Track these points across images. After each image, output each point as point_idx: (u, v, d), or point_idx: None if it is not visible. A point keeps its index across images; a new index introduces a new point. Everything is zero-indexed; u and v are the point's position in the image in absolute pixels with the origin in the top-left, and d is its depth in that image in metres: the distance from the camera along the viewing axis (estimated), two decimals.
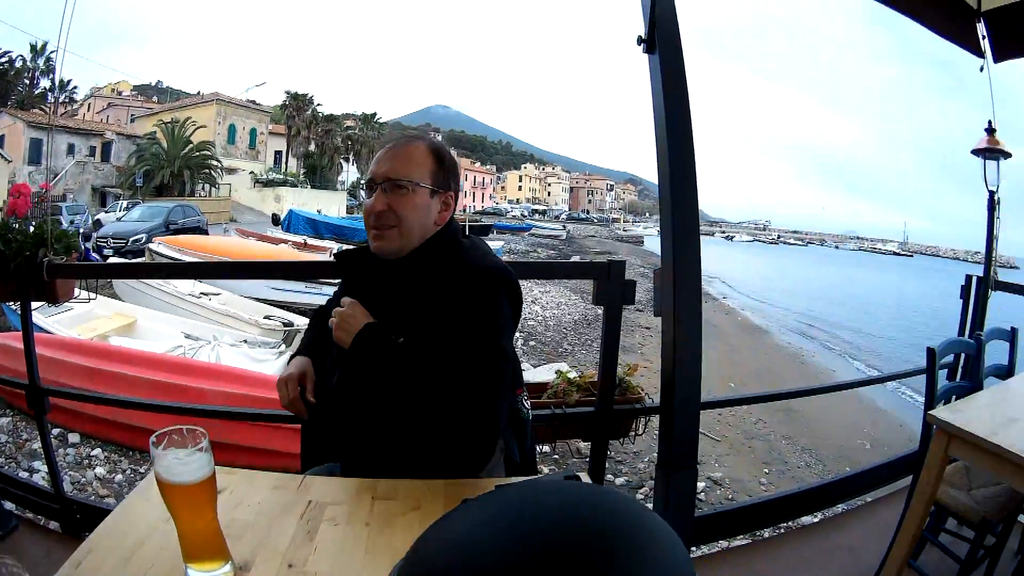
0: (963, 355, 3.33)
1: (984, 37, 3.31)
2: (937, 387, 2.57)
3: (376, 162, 1.50)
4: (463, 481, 1.33)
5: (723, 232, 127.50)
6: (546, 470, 5.89)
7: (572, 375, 2.80)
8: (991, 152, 3.60)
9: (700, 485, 6.26)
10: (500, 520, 0.49)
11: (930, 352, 2.56)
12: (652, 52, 2.23)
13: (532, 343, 12.17)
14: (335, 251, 1.76)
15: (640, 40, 2.23)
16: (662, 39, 2.21)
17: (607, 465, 6.52)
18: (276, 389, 1.54)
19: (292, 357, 1.63)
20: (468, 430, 1.32)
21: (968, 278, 3.86)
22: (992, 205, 3.71)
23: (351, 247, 1.68)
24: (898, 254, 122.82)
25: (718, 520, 2.99)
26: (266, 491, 1.27)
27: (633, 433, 2.74)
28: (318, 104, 53.56)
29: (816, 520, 3.51)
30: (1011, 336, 3.25)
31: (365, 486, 1.31)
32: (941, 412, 2.26)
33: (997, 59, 3.37)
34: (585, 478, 1.24)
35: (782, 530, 3.41)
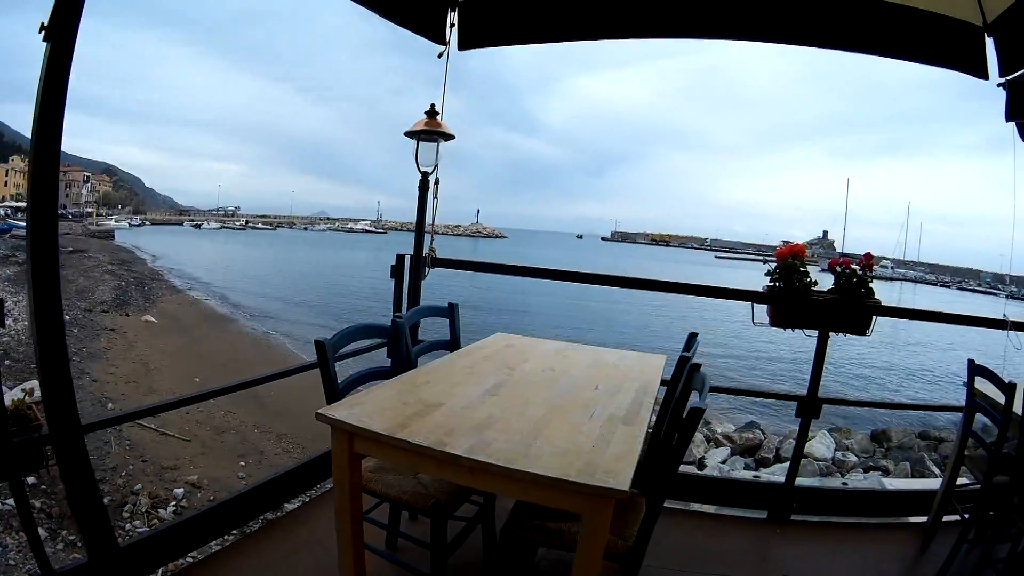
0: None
1: (452, 26, 3.75)
2: (337, 380, 2.69)
3: None
4: None
5: (192, 221, 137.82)
6: None
7: None
8: (428, 134, 4.04)
9: (179, 491, 6.88)
10: None
11: (319, 345, 2.66)
12: (48, 40, 2.22)
13: (8, 362, 12.07)
14: None
15: (42, 27, 2.22)
16: (61, 28, 2.21)
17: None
18: None
19: None
20: None
21: (400, 257, 4.25)
22: (425, 186, 4.19)
23: None
24: (370, 231, 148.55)
25: (156, 540, 2.97)
26: None
27: (48, 463, 2.63)
28: None
29: (297, 506, 3.76)
30: (450, 312, 3.70)
31: None
32: (336, 409, 2.27)
33: (461, 47, 3.85)
34: None
35: (261, 523, 3.57)
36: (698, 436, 10.07)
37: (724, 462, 9.40)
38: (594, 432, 2.18)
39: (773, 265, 4.01)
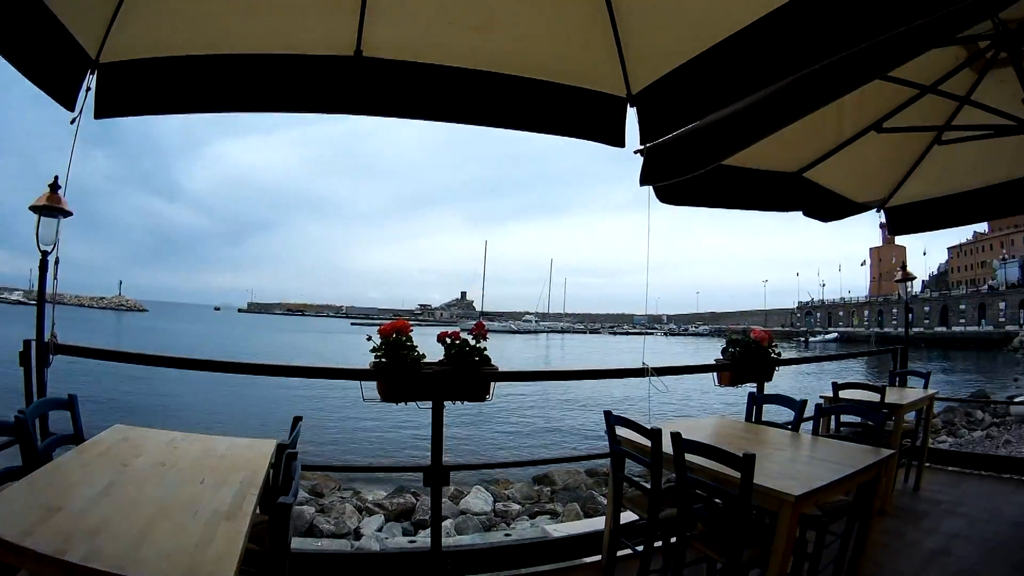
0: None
1: (89, 90, 3.53)
2: None
3: None
4: None
5: None
6: None
7: None
8: (49, 210, 3.99)
9: None
10: None
11: None
12: None
13: None
14: None
15: None
16: None
17: None
18: None
19: None
20: None
21: (27, 343, 4.15)
22: (45, 266, 4.11)
23: None
24: (23, 303, 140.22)
25: None
26: None
27: None
28: None
29: None
30: (71, 404, 3.77)
31: None
32: None
33: (98, 115, 3.61)
34: None
35: None
36: (348, 507, 10.33)
37: (380, 529, 9.66)
38: (197, 531, 2.34)
39: (379, 340, 4.37)
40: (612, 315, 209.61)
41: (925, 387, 7.66)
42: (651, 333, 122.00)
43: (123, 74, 3.59)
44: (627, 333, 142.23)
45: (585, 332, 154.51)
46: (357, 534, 9.49)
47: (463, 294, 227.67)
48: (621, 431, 4.33)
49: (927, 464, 7.20)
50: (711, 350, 7.12)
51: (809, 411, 5.26)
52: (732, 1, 3.12)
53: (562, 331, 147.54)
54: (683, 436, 3.59)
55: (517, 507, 11.18)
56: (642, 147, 4.10)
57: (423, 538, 7.72)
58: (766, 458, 3.68)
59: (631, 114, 3.93)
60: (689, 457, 3.59)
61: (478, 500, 11.03)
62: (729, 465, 3.31)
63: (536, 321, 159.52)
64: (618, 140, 4.00)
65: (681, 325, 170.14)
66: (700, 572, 4.21)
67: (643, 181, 4.22)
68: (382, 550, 5.41)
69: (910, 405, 6.66)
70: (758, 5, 2.88)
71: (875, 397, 6.25)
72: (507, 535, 6.98)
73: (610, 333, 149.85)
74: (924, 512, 6.15)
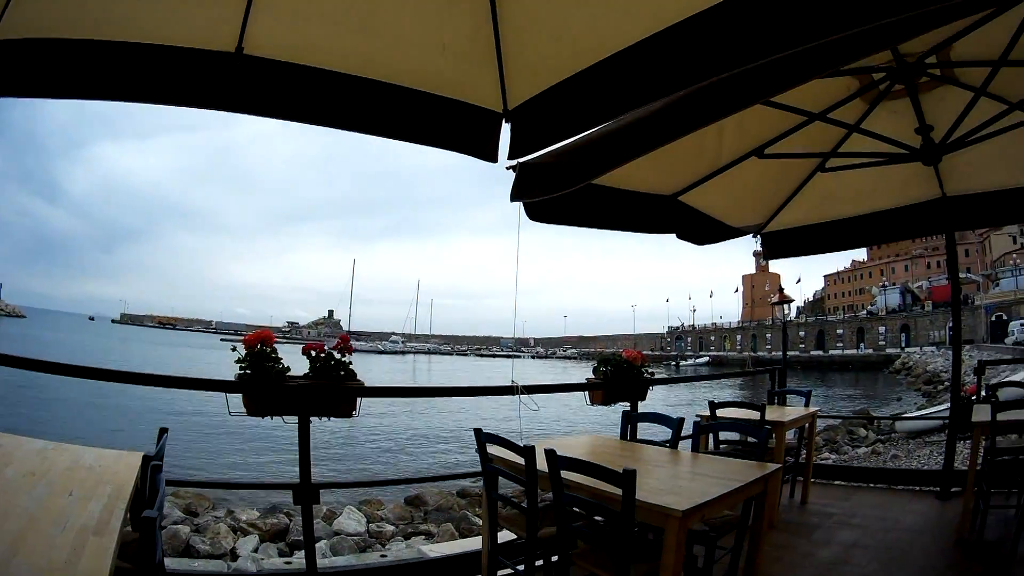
0: None
1: None
2: None
3: None
4: None
5: None
6: None
7: None
8: None
9: None
10: None
11: None
12: None
13: None
14: None
15: None
16: None
17: None
18: None
19: None
20: None
21: None
22: None
23: None
24: None
25: None
26: None
27: None
28: None
29: None
30: None
31: None
32: None
33: None
34: None
35: None
36: (222, 527, 10.17)
37: (256, 550, 9.54)
38: (67, 547, 2.29)
39: (243, 351, 4.35)
40: (479, 337, 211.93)
41: (806, 405, 7.99)
42: (518, 356, 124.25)
43: (9, 53, 3.46)
44: (495, 356, 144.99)
45: (452, 354, 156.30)
46: (233, 555, 9.39)
47: (330, 312, 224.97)
48: (493, 449, 4.37)
49: (813, 480, 7.49)
50: (579, 373, 7.26)
51: (687, 430, 5.38)
52: (614, 24, 3.27)
53: (429, 352, 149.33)
54: (558, 453, 3.65)
55: (391, 528, 11.25)
56: (514, 163, 4.25)
57: (299, 559, 7.67)
58: (647, 474, 3.78)
59: (506, 129, 4.00)
60: (566, 475, 3.65)
61: (351, 521, 11.01)
62: (609, 482, 3.36)
63: (403, 342, 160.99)
64: (491, 155, 4.07)
65: (549, 349, 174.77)
66: None
67: (514, 197, 4.37)
68: (259, 571, 5.39)
69: (792, 422, 6.85)
70: (639, 28, 3.04)
71: (754, 415, 6.40)
72: (383, 556, 6.99)
73: (477, 355, 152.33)
74: (815, 524, 6.37)
